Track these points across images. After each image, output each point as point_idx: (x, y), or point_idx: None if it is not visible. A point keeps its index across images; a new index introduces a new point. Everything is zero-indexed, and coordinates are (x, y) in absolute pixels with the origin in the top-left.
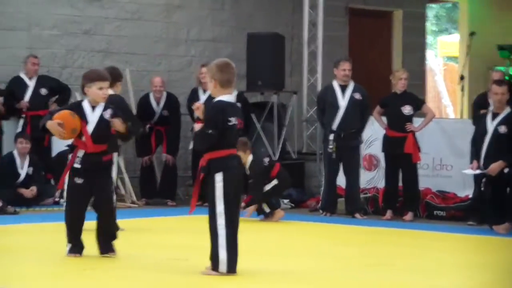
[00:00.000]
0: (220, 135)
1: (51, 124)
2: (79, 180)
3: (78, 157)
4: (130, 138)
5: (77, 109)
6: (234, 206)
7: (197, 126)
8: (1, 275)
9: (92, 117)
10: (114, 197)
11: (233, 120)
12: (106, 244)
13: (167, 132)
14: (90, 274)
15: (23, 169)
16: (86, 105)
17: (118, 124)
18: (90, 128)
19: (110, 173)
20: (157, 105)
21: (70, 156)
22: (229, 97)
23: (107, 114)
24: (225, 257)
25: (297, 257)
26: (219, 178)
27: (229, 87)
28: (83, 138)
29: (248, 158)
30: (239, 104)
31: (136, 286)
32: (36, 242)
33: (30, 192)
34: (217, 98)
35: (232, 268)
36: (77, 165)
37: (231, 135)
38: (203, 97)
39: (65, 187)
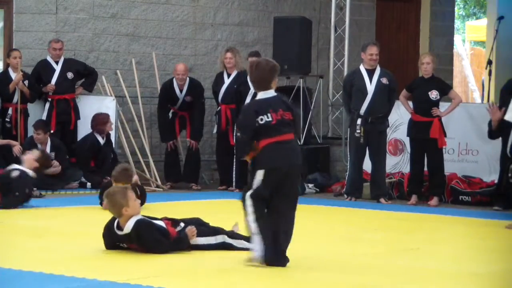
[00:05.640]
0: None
1: None
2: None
3: None
4: None
5: None
6: None
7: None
8: (24, 258)
9: None
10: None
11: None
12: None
13: (190, 117)
14: (109, 257)
15: None
16: None
17: None
18: None
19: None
20: (180, 92)
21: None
22: None
23: None
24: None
25: (324, 243)
26: None
27: None
28: None
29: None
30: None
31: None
32: (63, 225)
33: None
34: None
35: None
36: None
37: None
38: (227, 81)
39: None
